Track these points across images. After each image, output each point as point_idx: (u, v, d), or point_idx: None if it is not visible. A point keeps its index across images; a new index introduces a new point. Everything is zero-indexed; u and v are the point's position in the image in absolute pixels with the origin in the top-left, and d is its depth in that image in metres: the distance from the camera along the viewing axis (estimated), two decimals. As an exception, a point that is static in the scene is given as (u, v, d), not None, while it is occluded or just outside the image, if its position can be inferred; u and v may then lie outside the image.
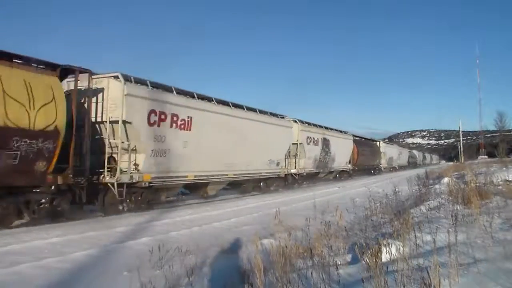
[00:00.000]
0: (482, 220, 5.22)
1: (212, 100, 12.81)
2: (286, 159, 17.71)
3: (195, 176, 11.66)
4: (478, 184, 8.58)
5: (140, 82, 10.05)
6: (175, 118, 10.74)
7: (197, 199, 13.00)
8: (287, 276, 3.57)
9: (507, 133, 76.02)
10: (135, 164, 9.66)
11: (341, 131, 25.67)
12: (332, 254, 4.64)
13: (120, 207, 9.42)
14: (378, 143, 37.16)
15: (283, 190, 17.21)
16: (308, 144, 19.38)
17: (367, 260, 3.56)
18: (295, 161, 18.35)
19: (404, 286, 3.03)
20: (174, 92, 11.17)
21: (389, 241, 4.32)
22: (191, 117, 11.31)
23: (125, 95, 9.18)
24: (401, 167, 48.60)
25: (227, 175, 13.27)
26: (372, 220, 7.13)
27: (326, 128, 22.57)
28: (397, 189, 10.81)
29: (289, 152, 17.84)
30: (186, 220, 8.75)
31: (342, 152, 24.70)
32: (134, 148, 9.58)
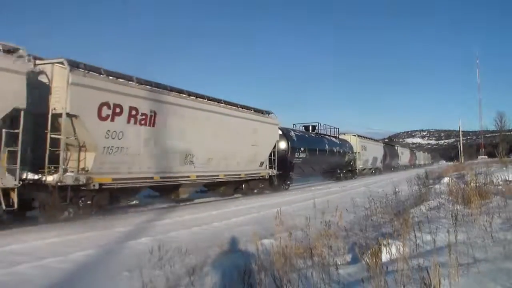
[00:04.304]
0: (482, 220, 5.22)
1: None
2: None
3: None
4: (478, 184, 8.58)
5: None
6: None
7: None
8: (287, 276, 3.57)
9: (507, 133, 76.07)
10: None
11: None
12: (332, 254, 4.64)
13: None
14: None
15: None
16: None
17: (367, 260, 3.57)
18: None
19: (404, 286, 3.04)
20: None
21: (389, 241, 4.33)
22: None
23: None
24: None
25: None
26: (372, 220, 7.13)
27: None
28: (397, 189, 10.82)
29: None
30: (186, 220, 8.75)
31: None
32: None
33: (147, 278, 3.95)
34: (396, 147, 49.16)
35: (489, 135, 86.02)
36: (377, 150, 36.09)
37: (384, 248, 4.09)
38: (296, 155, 18.36)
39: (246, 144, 14.38)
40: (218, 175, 13.03)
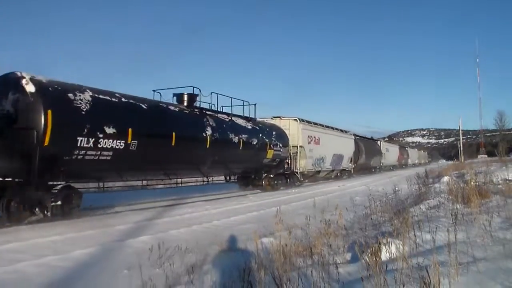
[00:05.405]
0: (481, 219, 5.22)
1: None
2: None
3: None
4: (478, 183, 8.58)
5: None
6: None
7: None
8: (287, 274, 3.58)
9: (507, 132, 76.14)
10: None
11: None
12: (332, 252, 4.65)
13: None
14: None
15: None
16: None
17: (367, 259, 3.57)
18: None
19: (403, 285, 3.04)
20: None
21: (388, 240, 4.33)
22: None
23: None
24: None
25: None
26: (371, 219, 7.14)
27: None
28: (396, 188, 10.84)
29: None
30: (186, 218, 8.76)
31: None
32: None
33: (146, 276, 3.95)
34: (378, 142, 38.16)
35: (489, 134, 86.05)
36: (343, 145, 25.09)
37: (384, 247, 4.10)
38: (85, 142, 8.32)
39: None
40: None
